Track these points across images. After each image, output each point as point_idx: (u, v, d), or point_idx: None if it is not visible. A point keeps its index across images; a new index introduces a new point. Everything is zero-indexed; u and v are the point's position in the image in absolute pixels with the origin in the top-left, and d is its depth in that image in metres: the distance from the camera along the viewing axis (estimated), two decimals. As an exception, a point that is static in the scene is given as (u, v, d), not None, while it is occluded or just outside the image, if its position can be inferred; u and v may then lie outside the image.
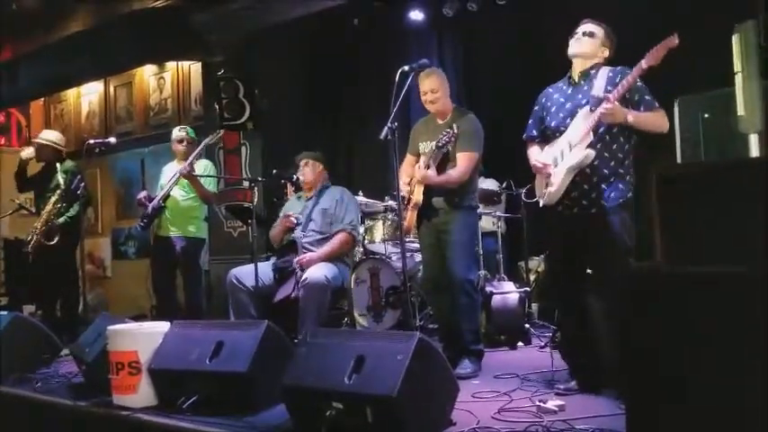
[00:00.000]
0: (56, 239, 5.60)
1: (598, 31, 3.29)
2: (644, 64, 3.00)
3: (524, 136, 3.53)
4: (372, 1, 6.23)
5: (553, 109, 3.36)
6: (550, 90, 3.44)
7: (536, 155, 3.41)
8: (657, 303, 1.95)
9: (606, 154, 3.17)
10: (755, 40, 3.52)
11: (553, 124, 3.33)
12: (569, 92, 3.32)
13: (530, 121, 3.51)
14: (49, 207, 5.62)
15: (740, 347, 1.79)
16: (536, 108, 3.48)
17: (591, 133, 3.13)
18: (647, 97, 3.17)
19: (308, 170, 4.82)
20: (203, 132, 5.69)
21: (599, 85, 3.18)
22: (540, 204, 3.38)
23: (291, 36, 6.69)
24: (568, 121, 3.25)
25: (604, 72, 3.22)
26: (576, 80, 3.31)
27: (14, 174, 6.00)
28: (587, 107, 3.17)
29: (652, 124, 3.14)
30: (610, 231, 3.13)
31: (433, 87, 3.93)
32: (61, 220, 5.66)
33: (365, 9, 6.36)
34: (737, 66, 3.63)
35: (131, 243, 8.59)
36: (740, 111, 3.62)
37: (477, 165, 3.95)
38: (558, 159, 3.26)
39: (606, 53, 3.29)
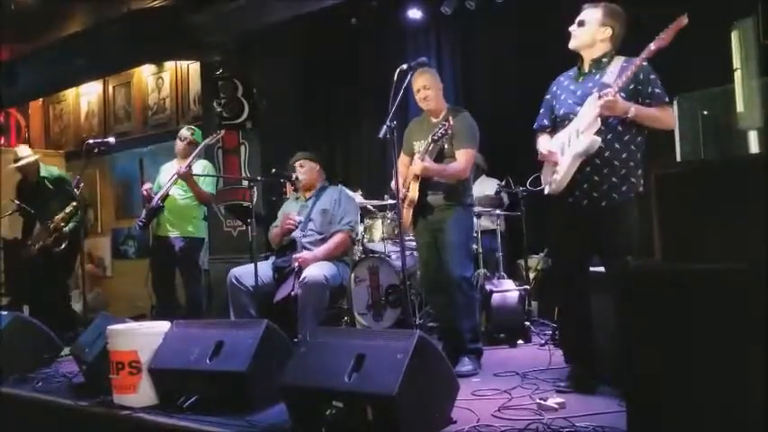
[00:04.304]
0: (63, 246, 5.77)
1: (591, 16, 3.17)
2: (652, 46, 2.90)
3: (535, 125, 3.44)
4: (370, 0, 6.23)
5: (563, 96, 3.28)
6: (561, 78, 3.36)
7: (544, 143, 3.33)
8: (657, 301, 1.95)
9: (617, 145, 3.08)
10: (754, 38, 3.52)
11: (562, 111, 3.25)
12: (580, 80, 3.24)
13: (541, 111, 3.43)
14: (61, 215, 5.78)
15: (740, 344, 1.79)
16: (547, 97, 3.40)
17: (598, 120, 3.04)
18: (657, 90, 3.06)
19: (304, 171, 4.80)
20: (202, 132, 5.68)
21: (611, 72, 3.10)
22: (546, 192, 3.30)
23: (290, 35, 6.69)
24: (578, 108, 3.16)
25: (618, 61, 3.13)
26: (587, 70, 3.22)
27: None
28: (596, 93, 3.05)
29: (656, 120, 3.04)
30: (619, 226, 3.07)
31: (425, 84, 3.92)
32: (70, 226, 5.79)
33: (363, 8, 6.36)
34: (736, 63, 3.63)
35: (131, 243, 8.59)
36: (739, 107, 3.63)
37: (473, 161, 3.95)
38: (566, 146, 3.17)
39: (609, 32, 3.15)
